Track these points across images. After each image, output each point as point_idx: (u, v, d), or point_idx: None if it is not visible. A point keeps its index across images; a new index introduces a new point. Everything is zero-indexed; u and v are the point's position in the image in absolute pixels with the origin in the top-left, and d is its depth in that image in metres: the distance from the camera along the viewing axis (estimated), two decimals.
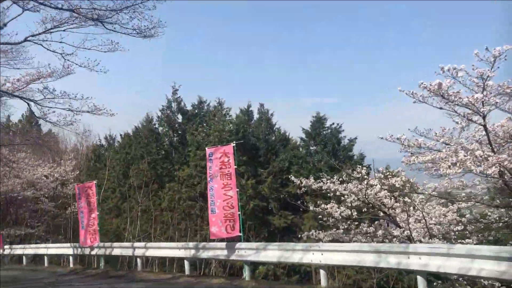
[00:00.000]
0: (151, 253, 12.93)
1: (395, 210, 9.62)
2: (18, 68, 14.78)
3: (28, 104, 14.26)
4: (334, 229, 10.90)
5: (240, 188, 21.28)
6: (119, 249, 13.99)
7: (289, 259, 9.39)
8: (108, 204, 28.22)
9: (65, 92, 14.48)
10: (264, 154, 26.86)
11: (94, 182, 15.27)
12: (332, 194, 10.83)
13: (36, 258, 19.21)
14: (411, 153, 9.33)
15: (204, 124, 27.35)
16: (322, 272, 8.87)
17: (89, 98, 14.62)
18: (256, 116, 28.69)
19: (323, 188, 10.96)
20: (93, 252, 14.86)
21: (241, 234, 10.52)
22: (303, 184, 11.29)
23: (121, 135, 33.74)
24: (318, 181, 11.24)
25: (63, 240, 27.57)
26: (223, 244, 10.95)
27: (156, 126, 29.09)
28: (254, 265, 13.06)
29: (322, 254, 8.70)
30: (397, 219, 9.73)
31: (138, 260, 13.30)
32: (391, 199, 9.83)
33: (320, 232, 11.26)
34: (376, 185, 9.41)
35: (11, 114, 37.80)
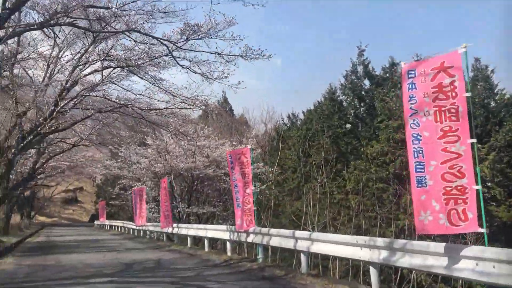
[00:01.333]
0: (318, 248, 8.38)
1: None
2: (165, 12, 11.91)
3: (166, 46, 11.31)
4: None
5: None
6: (277, 238, 9.85)
7: None
8: (289, 185, 25.29)
9: (209, 29, 11.08)
10: (482, 124, 19.75)
11: (249, 147, 11.52)
12: None
13: (198, 240, 16.84)
14: None
15: (398, 91, 21.64)
16: None
17: (240, 36, 11.00)
18: (470, 75, 21.52)
19: None
20: (249, 239, 11.16)
21: (483, 229, 5.13)
22: None
23: (303, 112, 30.69)
24: None
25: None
26: (440, 247, 5.68)
27: (339, 96, 24.49)
28: None
29: None
30: None
31: (302, 256, 8.92)
32: None
33: None
34: None
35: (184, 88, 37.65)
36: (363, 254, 7.07)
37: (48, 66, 15.05)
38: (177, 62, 11.47)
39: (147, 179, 27.07)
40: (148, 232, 22.48)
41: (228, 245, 12.45)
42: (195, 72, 11.63)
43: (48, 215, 55.51)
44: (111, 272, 9.53)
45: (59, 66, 15.48)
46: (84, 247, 16.68)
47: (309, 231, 12.99)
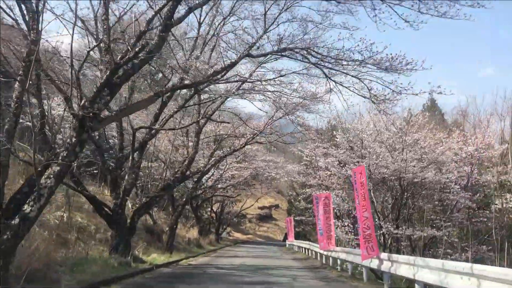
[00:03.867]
0: None
1: None
2: None
3: None
4: None
5: None
6: None
7: None
8: None
9: None
10: None
11: None
12: None
13: None
14: None
15: None
16: None
17: None
18: None
19: None
20: None
21: None
22: None
23: None
24: None
25: None
26: None
27: None
28: None
29: None
30: None
31: None
32: None
33: None
34: None
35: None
36: None
37: None
38: None
39: (337, 187, 19.59)
40: (338, 261, 14.46)
41: None
42: None
43: (244, 231, 52.95)
44: None
45: None
46: (231, 282, 9.89)
47: None
